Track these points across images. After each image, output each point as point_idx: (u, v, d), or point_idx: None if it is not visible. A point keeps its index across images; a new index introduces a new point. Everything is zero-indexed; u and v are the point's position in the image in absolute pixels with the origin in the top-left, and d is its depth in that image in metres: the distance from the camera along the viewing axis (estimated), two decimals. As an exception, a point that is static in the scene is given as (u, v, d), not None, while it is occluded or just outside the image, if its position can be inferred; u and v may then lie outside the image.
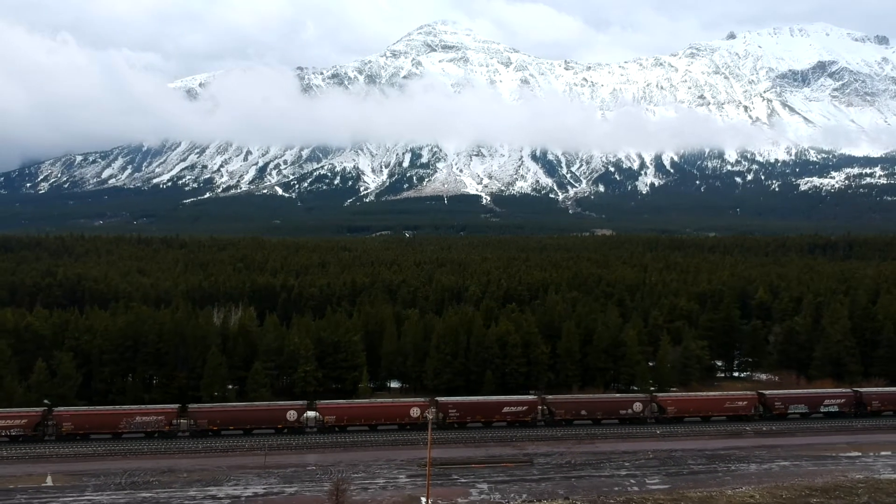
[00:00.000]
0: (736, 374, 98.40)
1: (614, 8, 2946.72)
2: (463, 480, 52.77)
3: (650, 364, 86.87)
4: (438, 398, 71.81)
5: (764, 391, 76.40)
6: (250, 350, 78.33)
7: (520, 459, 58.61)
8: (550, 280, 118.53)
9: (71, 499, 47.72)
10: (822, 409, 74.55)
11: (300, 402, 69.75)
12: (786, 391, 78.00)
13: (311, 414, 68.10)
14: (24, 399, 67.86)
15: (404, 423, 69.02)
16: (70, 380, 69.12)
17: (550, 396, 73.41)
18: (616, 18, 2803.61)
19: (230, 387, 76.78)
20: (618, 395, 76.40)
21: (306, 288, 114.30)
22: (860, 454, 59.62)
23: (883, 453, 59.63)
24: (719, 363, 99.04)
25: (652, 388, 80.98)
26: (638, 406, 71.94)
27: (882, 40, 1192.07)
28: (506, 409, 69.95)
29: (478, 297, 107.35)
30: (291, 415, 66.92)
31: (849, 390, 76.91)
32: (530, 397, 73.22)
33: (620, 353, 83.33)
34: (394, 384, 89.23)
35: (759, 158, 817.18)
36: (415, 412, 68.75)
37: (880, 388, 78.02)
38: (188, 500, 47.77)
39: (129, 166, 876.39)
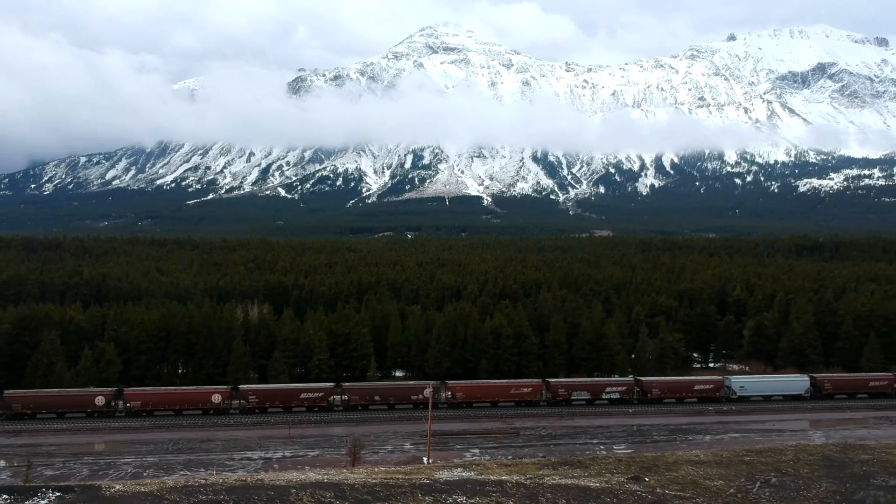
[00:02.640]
0: (711, 364, 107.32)
1: (600, 10, 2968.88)
2: (459, 447, 61.92)
3: (632, 355, 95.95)
4: (241, 386, 77.94)
5: (550, 379, 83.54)
6: (270, 341, 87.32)
7: (508, 431, 67.77)
8: (543, 279, 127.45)
9: (131, 460, 56.91)
10: (605, 396, 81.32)
11: (110, 389, 75.20)
12: (569, 379, 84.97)
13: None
14: (72, 383, 77.07)
15: (207, 408, 74.89)
16: (113, 366, 78.21)
17: (347, 384, 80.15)
18: (603, 21, 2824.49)
19: (252, 374, 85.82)
20: (411, 382, 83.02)
21: (317, 286, 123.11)
22: (805, 429, 68.57)
23: (819, 430, 68.69)
24: (696, 355, 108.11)
25: (631, 374, 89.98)
26: (428, 392, 78.14)
27: (882, 42, 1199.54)
28: (303, 396, 76.17)
29: (475, 295, 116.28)
30: (100, 400, 73.26)
31: (630, 379, 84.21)
32: (326, 385, 79.49)
33: (603, 345, 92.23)
34: (398, 372, 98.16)
35: (758, 160, 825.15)
36: (216, 398, 75.01)
37: (660, 378, 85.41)
38: (228, 461, 56.86)
39: (133, 167, 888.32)
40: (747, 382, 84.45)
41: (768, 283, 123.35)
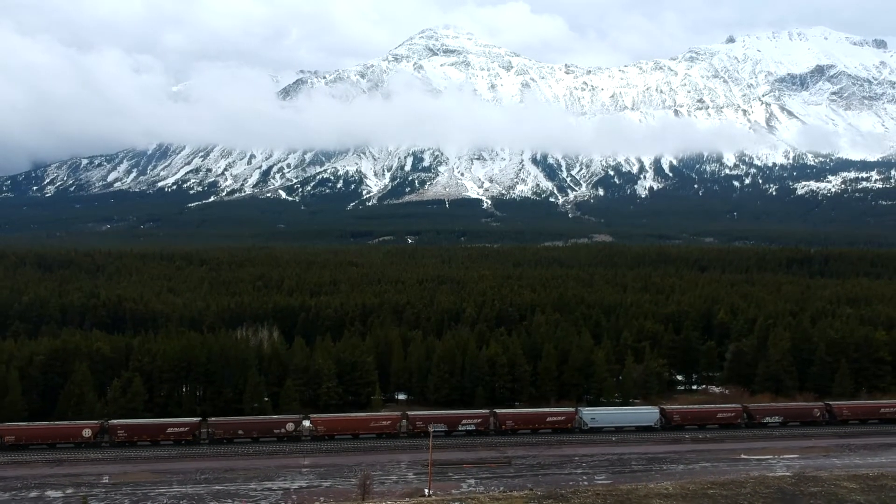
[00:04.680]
0: (694, 387, 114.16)
1: (588, 12, 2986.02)
2: (456, 477, 68.75)
3: (619, 378, 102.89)
4: (111, 420, 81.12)
5: (409, 412, 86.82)
6: (282, 370, 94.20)
7: (501, 461, 74.57)
8: (537, 301, 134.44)
9: (164, 490, 63.79)
10: (461, 428, 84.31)
11: None
12: (427, 412, 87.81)
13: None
14: (101, 413, 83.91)
15: (78, 441, 78.06)
16: (139, 396, 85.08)
17: (212, 419, 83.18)
18: (592, 22, 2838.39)
19: (266, 399, 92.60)
20: (274, 416, 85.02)
21: (323, 309, 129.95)
22: (770, 457, 75.38)
23: (785, 456, 75.55)
24: (681, 377, 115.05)
25: (618, 398, 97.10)
26: (290, 426, 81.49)
27: (880, 44, 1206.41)
28: (169, 430, 79.85)
29: (473, 319, 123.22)
30: None
31: (486, 411, 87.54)
32: (193, 419, 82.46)
33: (591, 372, 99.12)
34: (401, 395, 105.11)
35: (756, 162, 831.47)
36: (87, 433, 78.20)
37: (514, 410, 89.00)
38: (251, 491, 63.71)
39: (134, 169, 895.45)
40: (598, 414, 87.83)
41: (751, 307, 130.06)
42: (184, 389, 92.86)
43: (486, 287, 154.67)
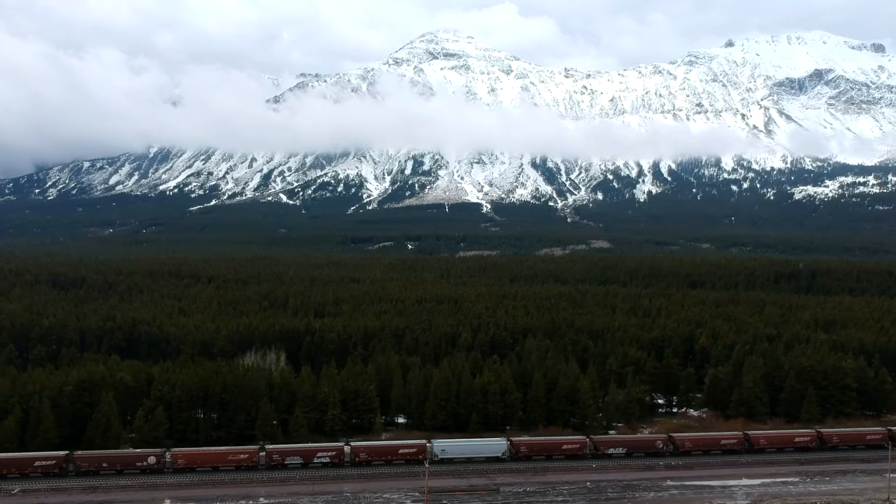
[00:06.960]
0: (674, 409, 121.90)
1: (576, 16, 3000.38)
2: (450, 505, 76.64)
3: (602, 403, 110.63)
4: None
5: (268, 445, 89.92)
6: (291, 398, 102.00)
7: (490, 488, 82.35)
8: (530, 325, 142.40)
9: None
10: (316, 460, 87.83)
11: None
12: (285, 446, 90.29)
13: None
14: (127, 440, 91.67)
15: None
16: (162, 425, 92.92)
17: (79, 452, 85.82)
18: (579, 26, 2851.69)
19: (274, 422, 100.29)
20: (137, 450, 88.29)
21: (326, 333, 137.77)
22: (733, 483, 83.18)
23: (747, 482, 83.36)
24: (662, 401, 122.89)
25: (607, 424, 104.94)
26: (152, 459, 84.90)
27: (878, 48, 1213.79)
28: (37, 463, 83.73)
29: (469, 344, 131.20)
30: None
31: (340, 444, 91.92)
32: (60, 453, 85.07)
33: (577, 399, 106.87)
34: (401, 419, 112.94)
35: (755, 166, 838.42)
36: None
37: (368, 443, 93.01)
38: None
39: (136, 173, 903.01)
40: (448, 446, 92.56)
41: (731, 332, 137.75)
42: (201, 416, 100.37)
43: (481, 308, 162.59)
